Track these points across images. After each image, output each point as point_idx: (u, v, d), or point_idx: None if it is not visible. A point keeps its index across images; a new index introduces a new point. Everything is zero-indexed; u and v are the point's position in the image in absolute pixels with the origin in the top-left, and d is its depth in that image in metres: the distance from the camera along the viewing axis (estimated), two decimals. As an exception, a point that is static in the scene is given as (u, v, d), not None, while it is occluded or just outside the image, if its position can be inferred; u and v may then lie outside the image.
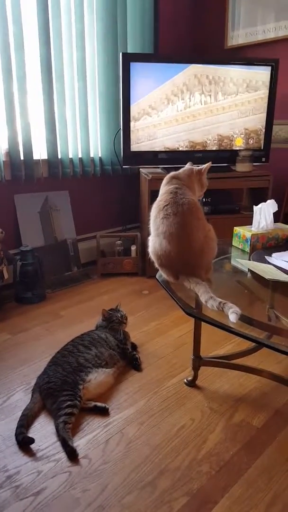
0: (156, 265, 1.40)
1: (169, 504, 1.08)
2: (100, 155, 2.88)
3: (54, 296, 2.43)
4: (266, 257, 1.51)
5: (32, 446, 1.27)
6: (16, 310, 2.24)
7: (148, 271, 2.70)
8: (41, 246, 2.56)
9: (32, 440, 1.28)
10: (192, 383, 1.56)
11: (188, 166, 1.57)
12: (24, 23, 2.27)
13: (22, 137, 2.40)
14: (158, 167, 2.72)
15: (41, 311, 2.23)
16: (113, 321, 1.77)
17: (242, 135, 2.68)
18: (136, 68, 2.44)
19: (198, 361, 1.53)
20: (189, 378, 1.57)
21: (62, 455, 1.24)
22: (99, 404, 1.43)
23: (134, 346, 1.81)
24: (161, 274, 1.40)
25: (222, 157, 2.70)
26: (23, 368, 1.69)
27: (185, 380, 1.58)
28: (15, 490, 1.12)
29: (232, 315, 1.04)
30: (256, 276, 1.36)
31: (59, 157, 2.62)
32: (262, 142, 2.72)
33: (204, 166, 1.52)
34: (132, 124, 2.53)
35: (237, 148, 2.68)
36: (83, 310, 2.23)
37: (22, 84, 2.33)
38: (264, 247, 1.62)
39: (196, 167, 1.54)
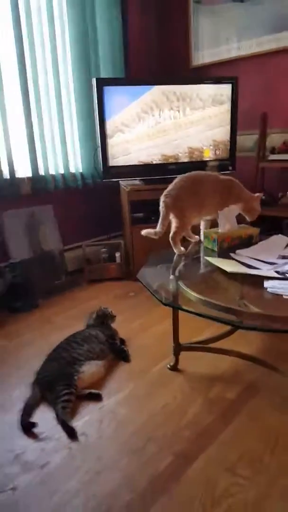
0: None
1: (156, 464, 1.29)
2: (81, 170, 3.11)
3: (45, 304, 2.62)
4: (231, 254, 1.73)
5: (35, 430, 1.46)
6: (9, 319, 2.42)
7: (132, 275, 2.91)
8: (29, 258, 2.75)
9: (34, 425, 1.47)
10: (174, 368, 1.78)
11: None
12: (1, 54, 2.49)
13: (6, 158, 2.61)
14: (136, 179, 2.94)
15: (33, 319, 2.42)
16: (107, 316, 1.98)
17: (211, 147, 2.93)
18: (109, 91, 2.67)
19: (178, 348, 1.76)
20: (171, 364, 1.79)
21: (63, 435, 1.44)
22: (93, 391, 1.63)
23: (122, 341, 2.01)
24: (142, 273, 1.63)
25: (194, 168, 2.93)
26: (22, 368, 1.88)
27: (168, 366, 1.80)
28: (23, 465, 1.32)
29: None
30: (223, 271, 1.58)
31: (42, 173, 2.84)
32: (228, 152, 2.97)
33: None
34: (108, 141, 2.76)
35: (206, 159, 2.93)
36: (73, 315, 2.42)
37: (2, 109, 2.52)
38: (229, 246, 1.84)
39: None
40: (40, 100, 2.75)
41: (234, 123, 2.90)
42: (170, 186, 1.80)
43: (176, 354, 1.78)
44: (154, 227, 1.80)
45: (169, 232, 1.80)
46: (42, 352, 1.83)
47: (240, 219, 1.93)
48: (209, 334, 2.01)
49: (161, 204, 1.78)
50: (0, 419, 1.54)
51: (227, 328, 1.99)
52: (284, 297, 1.34)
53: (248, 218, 1.94)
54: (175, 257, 1.79)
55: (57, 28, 2.78)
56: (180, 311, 1.73)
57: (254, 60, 2.97)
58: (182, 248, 1.80)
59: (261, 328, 1.41)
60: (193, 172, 1.86)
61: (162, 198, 1.78)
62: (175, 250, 1.80)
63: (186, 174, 1.84)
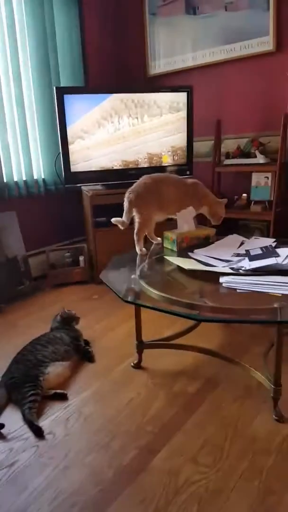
0: None
1: (122, 458, 1.34)
2: (43, 177, 3.13)
3: (9, 310, 2.62)
4: (189, 253, 1.82)
5: (2, 430, 1.48)
6: (-26, 325, 2.41)
7: (96, 279, 2.96)
8: (-7, 264, 2.75)
9: (2, 426, 1.49)
10: (137, 366, 1.84)
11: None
12: None
13: None
14: (98, 184, 3.00)
15: (-2, 323, 2.42)
16: (71, 318, 2.02)
17: (169, 152, 3.03)
18: (69, 99, 2.72)
19: (141, 345, 1.82)
20: (135, 362, 1.85)
21: (30, 435, 1.46)
22: (58, 391, 1.67)
23: (86, 342, 2.05)
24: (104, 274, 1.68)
25: (153, 173, 3.03)
26: (-13, 372, 1.89)
27: (131, 364, 1.86)
28: (-9, 465, 1.34)
29: None
30: (182, 269, 1.66)
31: (5, 180, 2.84)
32: (186, 157, 3.08)
33: None
34: (69, 147, 2.80)
35: (165, 164, 3.02)
36: (38, 318, 2.44)
37: None
38: (188, 246, 1.93)
39: None
40: (3, 108, 2.76)
41: (190, 129, 3.02)
42: (135, 184, 1.92)
43: (139, 352, 1.84)
44: (116, 231, 1.90)
45: (132, 233, 1.89)
46: (8, 355, 1.84)
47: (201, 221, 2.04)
48: (171, 332, 2.08)
49: (125, 199, 1.90)
50: None
51: (188, 325, 2.07)
52: (238, 291, 1.43)
53: (212, 222, 2.05)
54: (137, 258, 1.86)
55: (18, 37, 2.81)
56: (142, 310, 1.80)
57: (207, 70, 3.10)
58: (144, 249, 1.90)
59: (217, 320, 1.49)
60: (158, 173, 2.00)
61: (126, 194, 1.91)
62: (136, 248, 1.90)
63: (151, 174, 1.96)
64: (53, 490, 1.22)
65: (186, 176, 3.09)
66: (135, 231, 1.90)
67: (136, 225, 1.90)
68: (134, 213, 1.90)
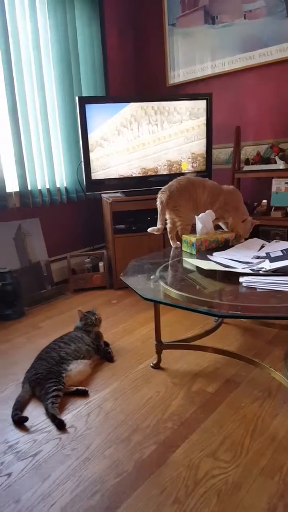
0: None
1: (141, 451, 1.37)
2: (65, 185, 3.22)
3: (32, 312, 2.69)
4: (208, 256, 1.84)
5: (26, 423, 1.53)
6: (-2, 326, 2.49)
7: (115, 284, 3.01)
8: (17, 268, 2.82)
9: (26, 419, 1.53)
10: (157, 366, 1.87)
11: None
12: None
13: (-5, 173, 2.71)
14: (118, 192, 3.06)
15: (21, 325, 2.48)
16: (87, 323, 2.05)
17: (190, 159, 3.08)
18: (90, 108, 2.81)
19: (160, 346, 1.84)
20: (154, 362, 1.88)
21: (52, 428, 1.50)
22: (80, 387, 1.71)
23: (106, 344, 2.09)
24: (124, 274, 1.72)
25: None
26: (11, 369, 1.94)
27: (151, 364, 1.88)
28: (16, 454, 1.38)
29: None
30: (201, 271, 1.69)
31: (29, 188, 2.94)
32: (205, 164, 3.12)
33: None
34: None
35: (185, 171, 3.07)
36: (60, 321, 2.50)
37: (-9, 126, 2.65)
38: (207, 249, 1.96)
39: None
40: (28, 118, 2.87)
41: (210, 136, 3.06)
42: (168, 184, 2.02)
43: (159, 352, 1.86)
44: (136, 236, 1.99)
45: (150, 241, 1.97)
46: (31, 354, 1.90)
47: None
48: (191, 335, 2.10)
49: (157, 200, 1.99)
50: (-8, 416, 1.60)
51: (208, 328, 2.09)
52: (258, 290, 1.45)
53: (233, 237, 2.04)
54: (172, 250, 2.04)
55: (42, 49, 2.93)
56: (161, 311, 1.84)
57: (226, 78, 3.15)
58: (178, 243, 2.04)
59: (237, 315, 1.52)
60: (196, 176, 2.11)
61: (158, 195, 2.00)
62: (171, 244, 2.06)
63: (188, 176, 2.08)
64: (75, 479, 1.26)
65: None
66: (168, 230, 2.04)
67: (168, 225, 2.03)
68: (166, 214, 2.00)
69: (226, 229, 2.12)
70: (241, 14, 2.94)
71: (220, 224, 2.12)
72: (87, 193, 3.05)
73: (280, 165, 2.79)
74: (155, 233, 2.02)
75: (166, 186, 2.02)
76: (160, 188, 2.02)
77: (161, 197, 1.99)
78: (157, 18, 3.43)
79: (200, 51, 3.23)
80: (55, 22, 2.96)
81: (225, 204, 2.03)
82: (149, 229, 2.03)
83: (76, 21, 3.10)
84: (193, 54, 3.27)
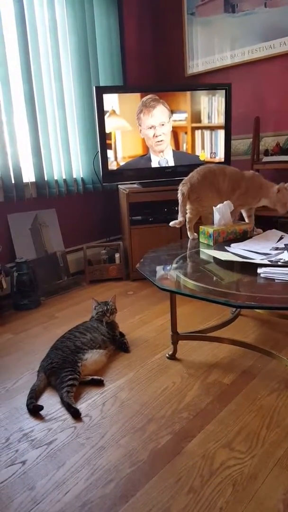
0: None
1: (157, 441, 1.36)
2: (82, 176, 3.21)
3: (48, 302, 2.71)
4: (226, 247, 1.82)
5: (41, 412, 1.53)
6: (15, 315, 2.51)
7: (131, 276, 3.00)
8: (33, 259, 2.84)
9: (41, 407, 1.54)
10: (172, 356, 1.85)
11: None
12: (9, 65, 2.61)
13: (12, 163, 2.71)
14: (134, 183, 3.04)
15: (38, 315, 2.50)
16: (97, 313, 2.05)
17: (208, 150, 3.04)
18: (108, 98, 2.79)
19: (176, 337, 1.83)
20: (170, 353, 1.87)
21: (67, 416, 1.51)
22: (95, 377, 1.71)
23: (122, 334, 2.08)
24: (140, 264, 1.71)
25: (190, 171, 3.05)
26: (27, 358, 1.96)
27: (166, 355, 1.87)
28: (31, 442, 1.39)
29: None
30: (218, 262, 1.67)
31: (46, 179, 2.94)
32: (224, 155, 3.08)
33: None
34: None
35: (202, 162, 3.03)
36: (76, 311, 2.50)
37: (9, 116, 2.65)
38: (224, 240, 1.93)
39: None
40: (45, 108, 2.86)
41: (229, 127, 3.01)
42: (190, 175, 2.00)
43: (174, 343, 1.85)
44: (153, 228, 1.97)
45: (166, 232, 1.95)
46: (47, 343, 1.91)
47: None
48: (208, 326, 2.09)
49: (178, 192, 1.98)
50: (9, 403, 1.62)
51: (224, 320, 2.07)
52: (276, 281, 1.42)
53: (279, 211, 1.97)
54: (189, 242, 2.01)
55: (60, 38, 2.91)
56: (178, 303, 1.83)
57: (246, 68, 3.09)
58: (195, 234, 2.02)
59: (254, 306, 1.50)
60: (216, 165, 2.07)
61: (179, 187, 1.99)
62: (189, 235, 2.04)
63: (208, 165, 2.04)
64: (90, 467, 1.26)
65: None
66: (187, 220, 2.02)
67: (188, 215, 2.01)
68: (188, 205, 1.99)
69: (247, 219, 2.09)
70: (262, 2, 2.87)
71: (242, 212, 2.08)
72: (104, 184, 3.04)
73: (300, 156, 2.73)
74: (177, 226, 2.01)
75: (186, 177, 2.00)
76: (177, 179, 2.00)
77: (182, 189, 1.97)
78: (176, 7, 3.37)
79: (219, 40, 3.17)
80: (73, 11, 2.94)
81: (246, 190, 1.99)
82: (171, 223, 2.02)
83: (94, 10, 3.08)
84: (212, 43, 3.22)
